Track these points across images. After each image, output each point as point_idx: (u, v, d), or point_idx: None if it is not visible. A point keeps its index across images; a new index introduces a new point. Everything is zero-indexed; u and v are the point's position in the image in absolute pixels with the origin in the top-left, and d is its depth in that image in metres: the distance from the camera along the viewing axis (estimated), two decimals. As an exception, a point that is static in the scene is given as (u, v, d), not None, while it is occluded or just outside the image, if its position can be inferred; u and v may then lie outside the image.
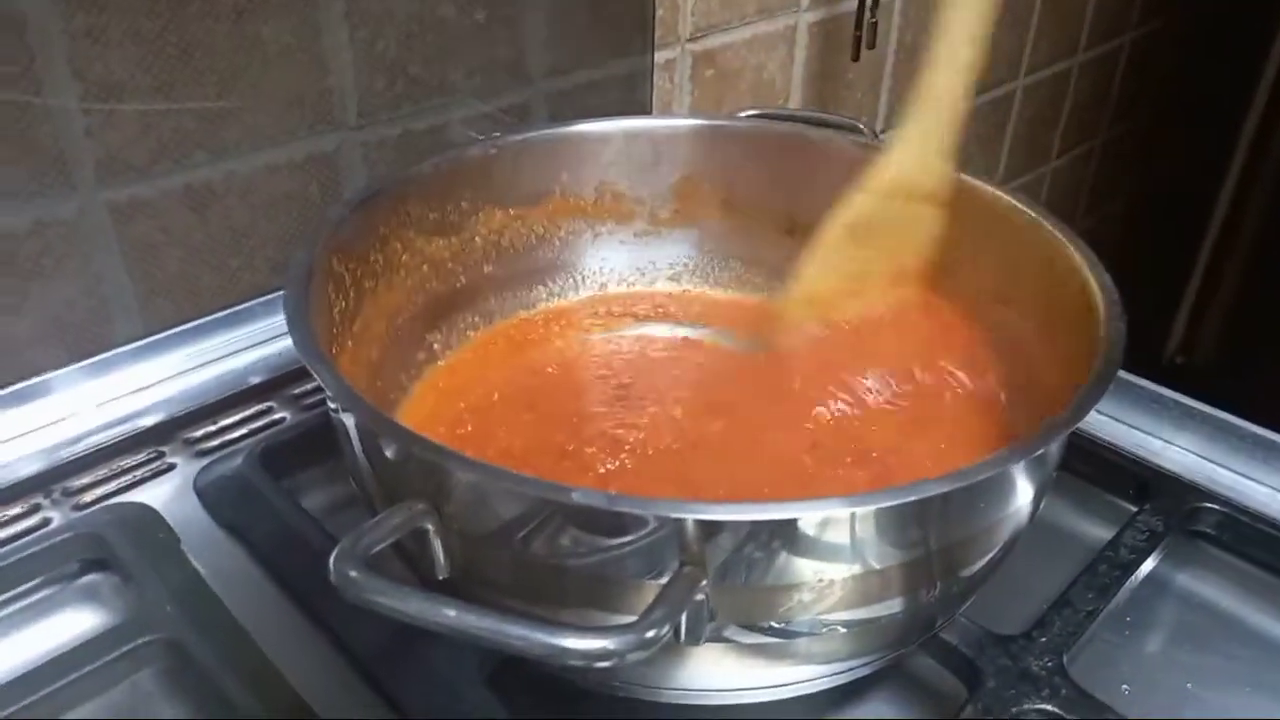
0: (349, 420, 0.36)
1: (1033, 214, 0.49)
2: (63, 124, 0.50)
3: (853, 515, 0.32)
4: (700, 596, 0.31)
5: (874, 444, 0.48)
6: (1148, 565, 0.47)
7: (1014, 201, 0.52)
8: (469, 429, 0.50)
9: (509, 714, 0.39)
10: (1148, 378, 0.58)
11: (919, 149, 0.52)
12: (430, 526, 0.33)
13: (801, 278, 0.54)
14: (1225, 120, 1.47)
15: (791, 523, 0.31)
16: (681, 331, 0.60)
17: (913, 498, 0.31)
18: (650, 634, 0.28)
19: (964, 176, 0.55)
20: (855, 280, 0.54)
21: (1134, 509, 0.50)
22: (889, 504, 0.32)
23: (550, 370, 0.56)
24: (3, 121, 0.48)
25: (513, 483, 0.31)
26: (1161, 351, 1.60)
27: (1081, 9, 1.32)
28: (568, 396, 0.54)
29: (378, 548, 0.30)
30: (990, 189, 0.53)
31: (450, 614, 0.27)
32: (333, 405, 0.38)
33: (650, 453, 0.48)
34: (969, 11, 0.50)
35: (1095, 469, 0.53)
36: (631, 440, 0.49)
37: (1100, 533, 0.50)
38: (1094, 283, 0.43)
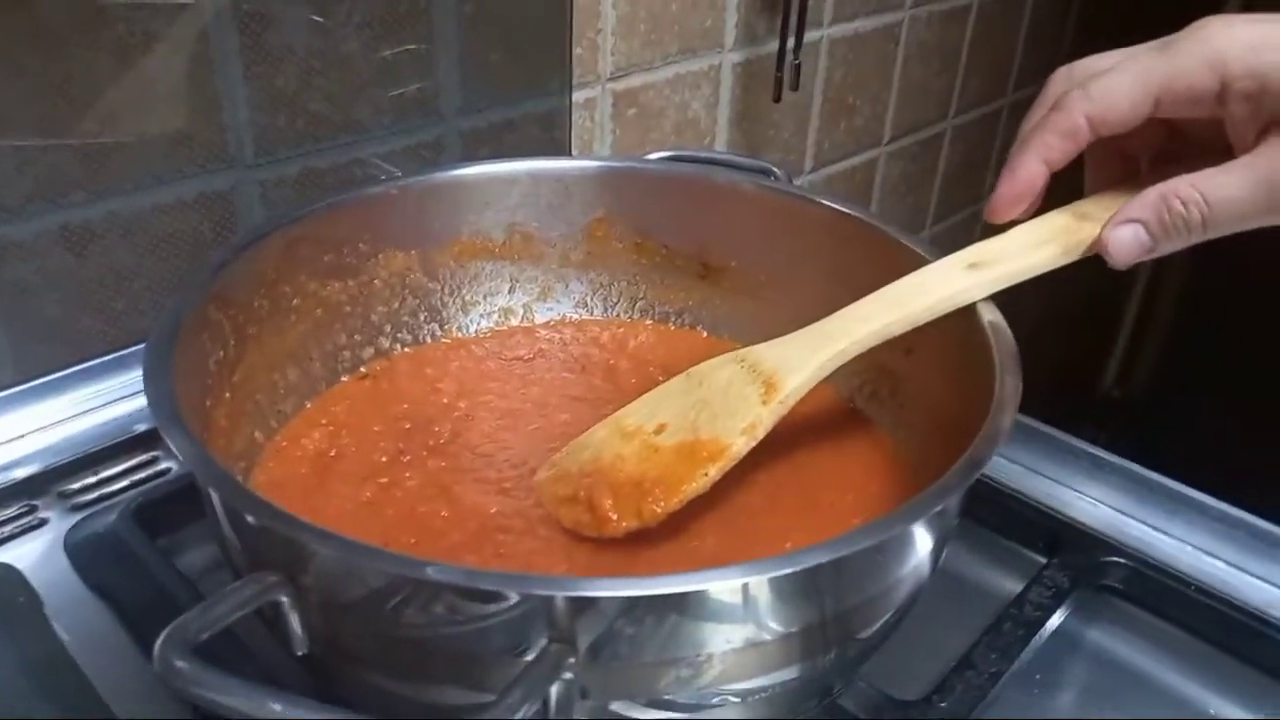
0: (203, 486, 0.34)
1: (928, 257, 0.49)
2: (-70, 160, 0.48)
3: (737, 586, 0.30)
4: (569, 675, 0.29)
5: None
6: (1054, 621, 0.46)
7: (912, 246, 0.51)
8: (350, 469, 0.48)
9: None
10: (1082, 410, 0.58)
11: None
12: (285, 599, 0.31)
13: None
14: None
15: (665, 598, 0.30)
16: (575, 370, 0.59)
17: (794, 568, 0.30)
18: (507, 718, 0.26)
19: (867, 218, 0.54)
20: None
21: (1042, 561, 0.50)
22: (772, 574, 0.30)
23: (444, 402, 0.54)
24: None
25: (367, 557, 0.29)
26: (1098, 384, 1.62)
27: (1010, 51, 1.34)
28: (465, 432, 0.52)
29: (212, 630, 0.28)
30: (894, 233, 0.52)
31: (276, 708, 0.25)
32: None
33: (527, 497, 0.47)
34: None
35: (1003, 519, 0.52)
36: (510, 479, 0.48)
37: (1007, 585, 0.49)
38: (989, 325, 0.43)
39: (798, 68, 0.89)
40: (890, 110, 1.16)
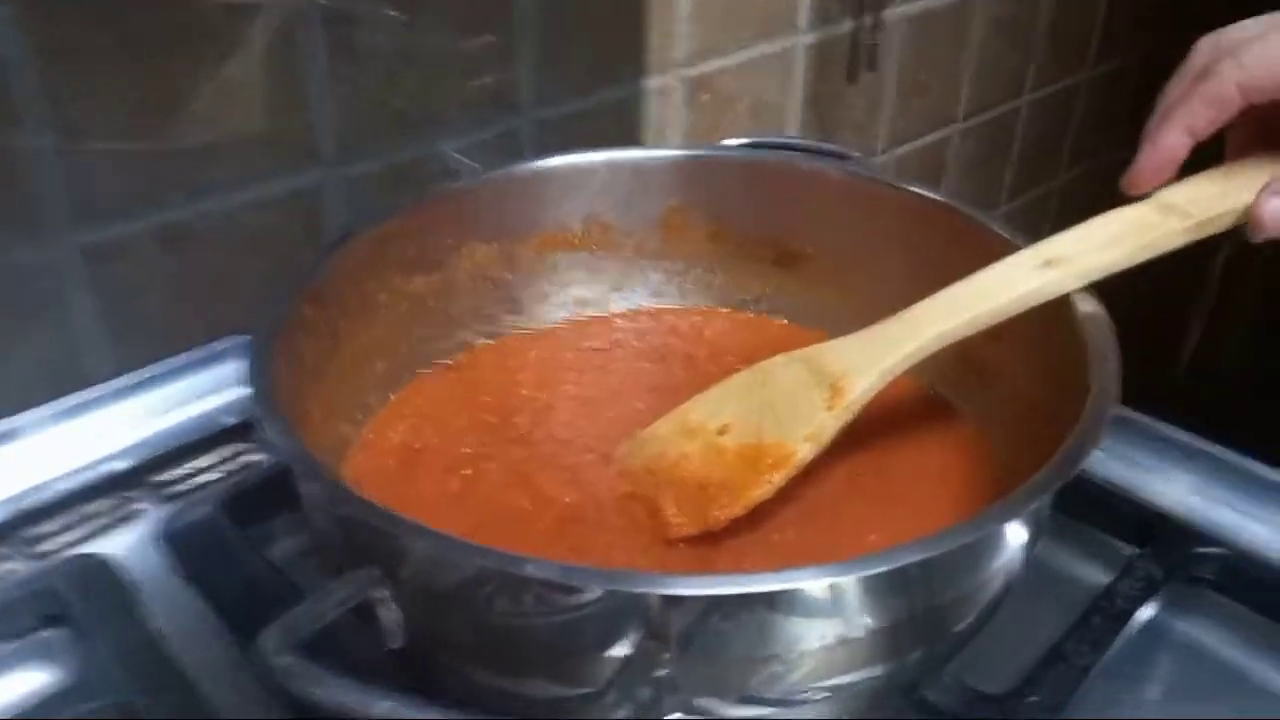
0: (305, 485, 0.35)
1: (1017, 243, 0.48)
2: (38, 167, 0.49)
3: (834, 584, 0.30)
4: (662, 671, 0.30)
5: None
6: (1145, 613, 0.45)
7: (999, 230, 0.50)
8: (435, 460, 0.49)
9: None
10: (1163, 387, 0.56)
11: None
12: (384, 594, 0.32)
13: None
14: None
15: (762, 596, 0.30)
16: (653, 360, 0.59)
17: (889, 566, 0.30)
18: (604, 716, 0.27)
19: (952, 203, 0.53)
20: None
21: (1132, 551, 0.49)
22: (867, 573, 0.30)
23: (524, 393, 0.55)
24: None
25: (465, 553, 0.30)
26: (1177, 359, 1.58)
27: (1089, 25, 1.31)
28: (545, 422, 0.53)
29: (317, 627, 0.29)
30: (978, 217, 0.52)
31: (386, 705, 0.26)
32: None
33: (612, 488, 0.47)
34: None
35: (1091, 509, 0.51)
36: (587, 467, 0.49)
37: (1095, 577, 0.48)
38: (1084, 316, 0.42)
39: (874, 47, 0.88)
40: (964, 87, 1.14)
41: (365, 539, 0.33)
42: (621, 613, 0.30)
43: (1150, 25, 1.42)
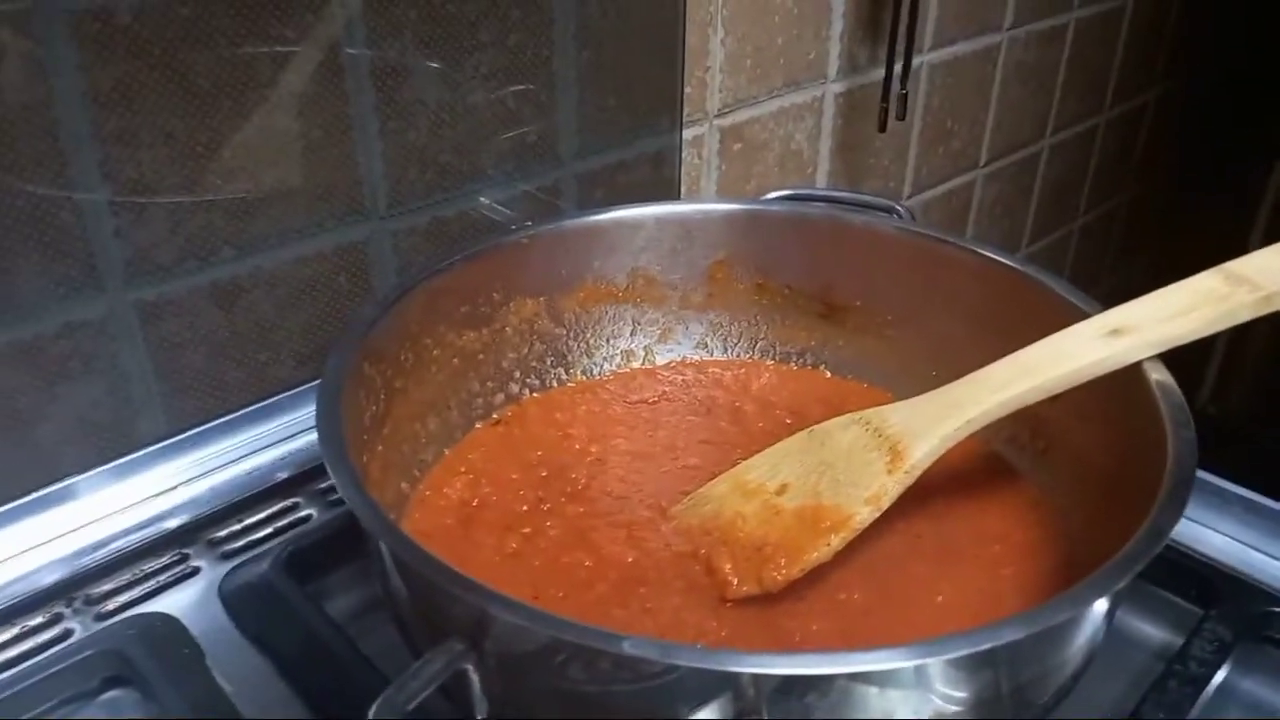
0: (385, 549, 0.35)
1: (1080, 306, 0.47)
2: (93, 224, 0.50)
3: (918, 666, 0.30)
4: (758, 748, 0.29)
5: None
6: (1219, 676, 0.45)
7: (1058, 290, 0.50)
8: (494, 518, 0.49)
9: None
10: None
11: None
12: (469, 666, 0.32)
13: None
14: (1249, 175, 1.45)
15: (860, 674, 0.29)
16: (701, 413, 0.59)
17: (985, 646, 0.30)
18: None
19: (1013, 262, 0.53)
20: None
21: (1199, 612, 0.48)
22: (959, 654, 0.30)
23: (576, 448, 0.55)
24: (34, 224, 0.48)
25: (558, 629, 0.30)
26: (1193, 401, 1.57)
27: (1107, 67, 1.32)
28: (599, 476, 0.52)
29: (418, 700, 0.28)
30: (1033, 275, 0.51)
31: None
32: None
33: (669, 545, 0.47)
34: None
35: (1155, 569, 0.50)
36: (644, 524, 0.48)
37: (1163, 636, 0.48)
38: (1156, 384, 0.42)
39: (904, 96, 0.88)
40: (987, 132, 1.15)
41: (447, 608, 0.33)
42: (714, 688, 0.30)
43: (1165, 65, 1.43)
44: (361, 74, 0.56)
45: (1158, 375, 0.42)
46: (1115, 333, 0.43)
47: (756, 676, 0.29)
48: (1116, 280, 1.56)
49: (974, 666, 0.31)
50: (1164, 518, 0.34)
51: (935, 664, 0.30)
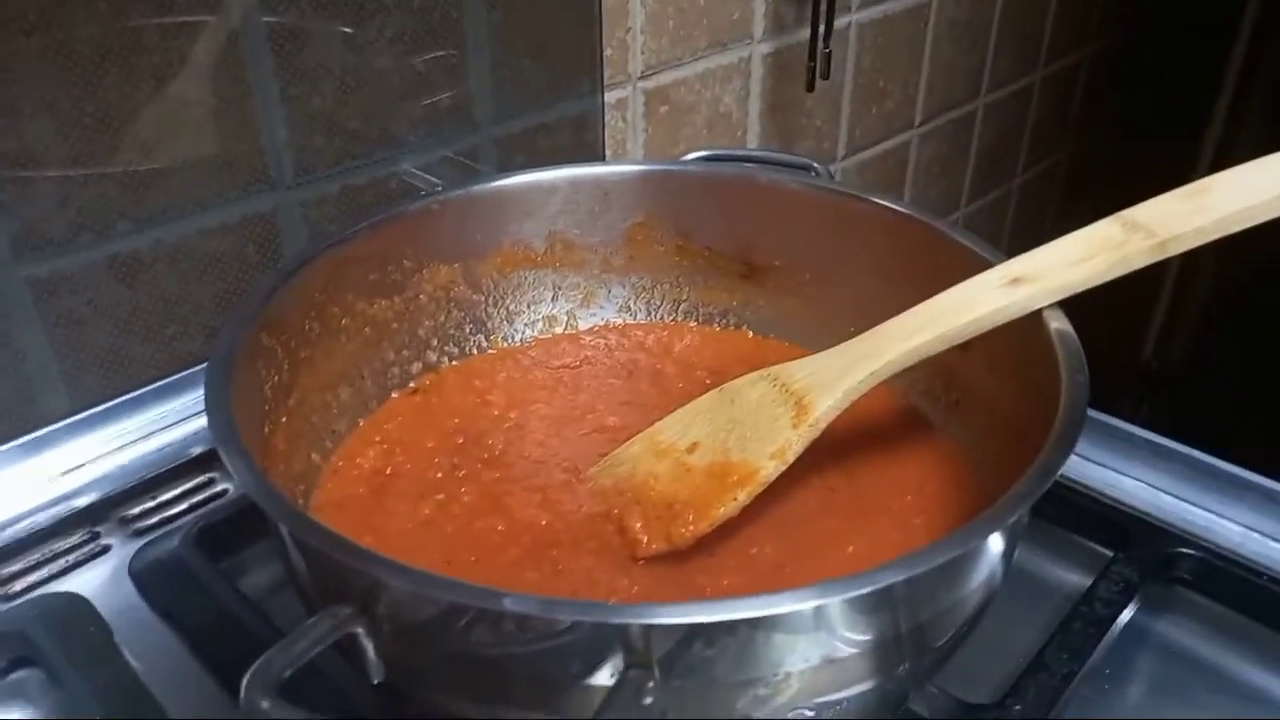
0: (271, 517, 0.34)
1: (985, 257, 0.48)
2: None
3: (813, 609, 0.30)
4: (649, 700, 0.29)
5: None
6: (1124, 616, 0.45)
7: (966, 243, 0.50)
8: (408, 486, 0.48)
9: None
10: (1123, 383, 0.57)
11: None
12: (360, 629, 0.31)
13: None
14: (1186, 130, 1.47)
15: (745, 621, 0.29)
16: (623, 376, 0.58)
17: (873, 586, 0.30)
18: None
19: (920, 215, 0.53)
20: None
21: (1108, 554, 0.49)
22: (850, 594, 0.30)
23: (494, 414, 0.54)
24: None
25: (442, 589, 0.29)
26: (1138, 355, 1.60)
27: (1040, 25, 1.32)
28: (516, 442, 0.52)
29: (294, 668, 0.28)
30: (945, 230, 0.52)
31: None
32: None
33: (583, 507, 0.47)
34: None
35: (1065, 512, 0.51)
36: (559, 487, 0.48)
37: (1072, 580, 0.49)
38: (1054, 332, 0.42)
39: (829, 55, 0.88)
40: (921, 92, 1.15)
41: (337, 575, 0.32)
42: (604, 642, 0.29)
43: (1100, 21, 1.44)
44: (258, 38, 0.55)
45: (1057, 324, 0.42)
46: (1016, 281, 0.44)
47: (644, 628, 0.29)
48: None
49: (868, 607, 0.31)
50: (1053, 458, 0.34)
51: (825, 605, 0.30)
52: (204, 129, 0.54)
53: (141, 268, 0.54)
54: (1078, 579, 0.48)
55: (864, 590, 0.29)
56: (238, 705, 0.40)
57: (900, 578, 0.30)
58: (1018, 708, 0.40)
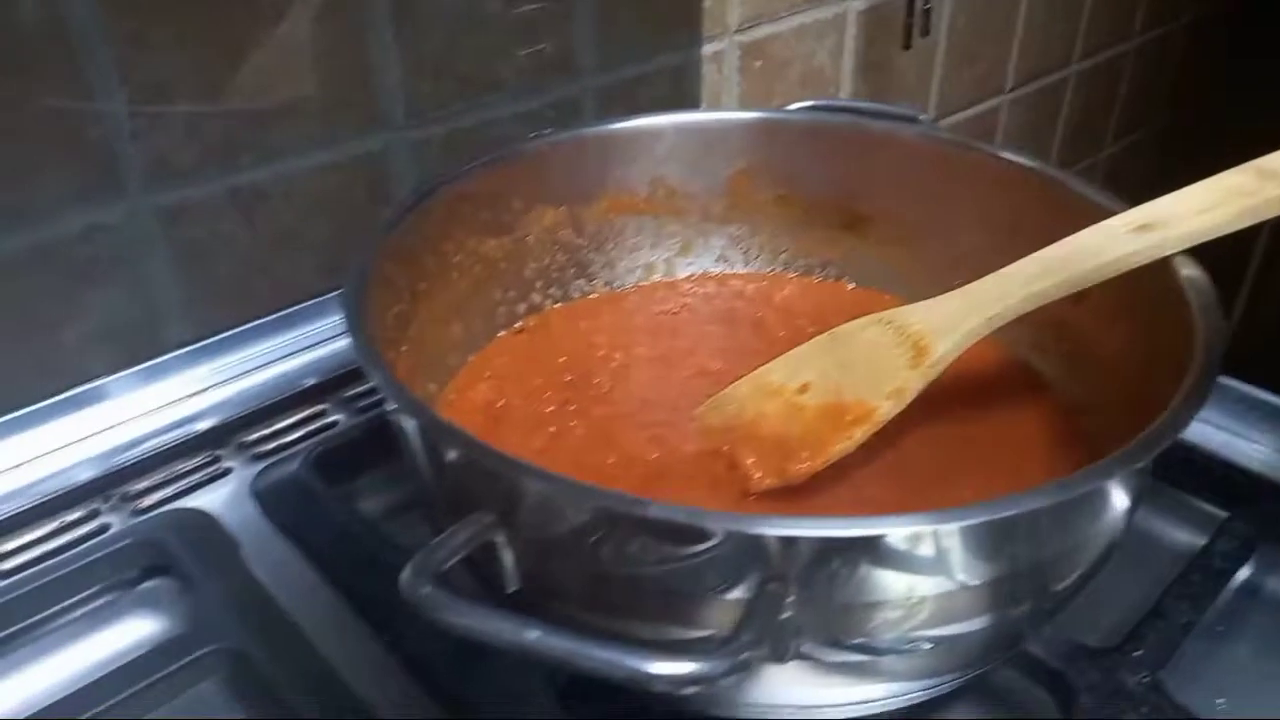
0: (411, 428, 0.35)
1: (1108, 206, 0.47)
2: (111, 128, 0.50)
3: (947, 531, 0.30)
4: (786, 615, 0.30)
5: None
6: (1242, 573, 0.45)
7: (1086, 192, 0.49)
8: (520, 419, 0.49)
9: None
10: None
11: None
12: (499, 539, 0.32)
13: None
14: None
15: (883, 538, 0.30)
16: (723, 324, 0.58)
17: (1011, 512, 0.30)
18: (744, 657, 0.27)
19: (1039, 166, 0.52)
20: None
21: (1223, 515, 0.48)
22: (987, 519, 0.30)
23: (600, 354, 0.55)
24: (51, 126, 0.48)
25: (586, 495, 0.30)
26: (1228, 315, 1.55)
27: (1135, -7, 1.29)
28: (623, 381, 0.53)
29: (448, 564, 0.29)
30: (1062, 179, 0.51)
31: (532, 636, 0.25)
32: (392, 411, 0.37)
33: (693, 444, 0.47)
34: None
35: (1181, 473, 0.50)
36: (668, 424, 0.49)
37: (1189, 539, 0.48)
38: (1186, 279, 0.41)
39: (928, 12, 0.87)
40: (1013, 57, 1.13)
41: (481, 482, 0.33)
42: (745, 555, 0.30)
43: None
44: (378, -21, 0.56)
45: (1188, 270, 0.41)
46: (1143, 228, 0.43)
47: (782, 539, 0.29)
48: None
49: (994, 538, 0.31)
50: (1190, 399, 0.34)
51: (953, 530, 0.30)
52: (321, 67, 0.55)
53: (260, 201, 0.55)
54: (1190, 538, 0.48)
55: (1008, 513, 0.29)
56: (361, 616, 0.43)
57: (1045, 503, 0.30)
58: (1137, 653, 0.40)
